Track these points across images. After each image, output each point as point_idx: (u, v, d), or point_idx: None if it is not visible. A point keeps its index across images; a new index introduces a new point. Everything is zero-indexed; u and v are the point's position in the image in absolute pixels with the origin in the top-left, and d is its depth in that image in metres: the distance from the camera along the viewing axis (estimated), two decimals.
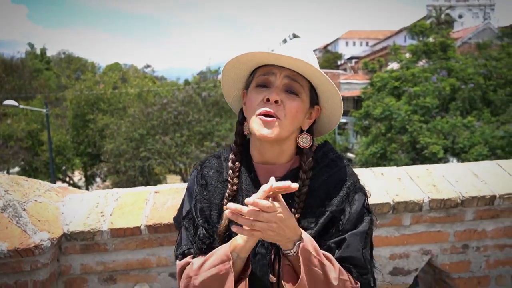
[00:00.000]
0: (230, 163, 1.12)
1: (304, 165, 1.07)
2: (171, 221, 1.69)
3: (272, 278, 1.03)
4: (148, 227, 1.68)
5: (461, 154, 10.64)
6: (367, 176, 1.90)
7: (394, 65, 17.87)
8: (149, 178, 14.74)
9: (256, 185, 1.08)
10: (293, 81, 1.04)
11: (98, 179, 21.68)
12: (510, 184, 1.87)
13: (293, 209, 1.04)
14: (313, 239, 0.99)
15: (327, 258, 1.00)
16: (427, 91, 12.07)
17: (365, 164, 12.32)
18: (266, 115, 1.02)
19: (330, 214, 1.04)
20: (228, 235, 1.06)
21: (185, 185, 1.91)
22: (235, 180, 1.10)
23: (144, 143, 14.29)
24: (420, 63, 13.63)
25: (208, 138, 15.76)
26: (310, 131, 1.11)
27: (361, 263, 1.05)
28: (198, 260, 1.07)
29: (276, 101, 1.02)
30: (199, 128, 15.34)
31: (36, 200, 1.69)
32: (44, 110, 15.14)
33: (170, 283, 1.81)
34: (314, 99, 1.10)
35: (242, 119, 1.15)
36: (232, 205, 0.90)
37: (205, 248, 1.08)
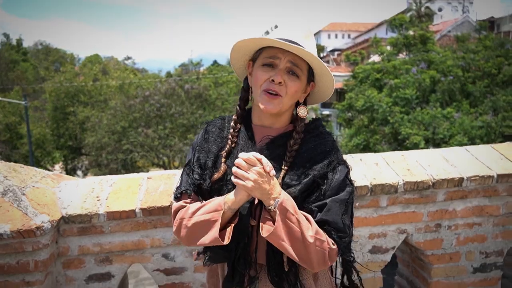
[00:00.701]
0: (232, 123, 1.29)
1: (298, 127, 1.24)
2: (164, 204, 1.80)
3: (253, 221, 1.20)
4: (143, 210, 1.78)
5: (442, 144, 10.94)
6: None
7: (376, 58, 18.11)
8: (131, 171, 14.69)
9: (252, 143, 1.26)
10: (295, 66, 1.21)
11: (79, 173, 21.47)
12: (477, 167, 2.03)
13: (283, 162, 1.21)
14: (292, 199, 1.13)
15: (306, 218, 1.14)
16: (407, 83, 12.32)
17: None
18: (271, 91, 1.20)
19: (313, 178, 1.18)
20: (221, 184, 1.23)
21: (176, 171, 2.03)
22: (234, 139, 1.27)
23: (126, 136, 14.24)
24: (401, 55, 13.89)
25: (192, 130, 15.77)
26: (304, 102, 1.30)
27: (340, 227, 1.16)
28: (194, 205, 1.22)
29: (280, 83, 1.20)
30: (182, 121, 15.34)
31: (33, 186, 1.77)
32: (23, 102, 14.88)
33: (163, 263, 1.91)
34: (310, 77, 1.28)
35: (247, 86, 1.32)
36: (244, 155, 1.10)
37: (197, 188, 1.26)
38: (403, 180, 1.94)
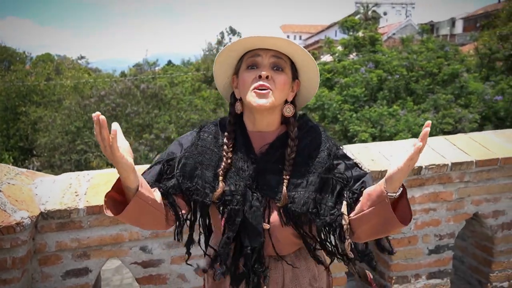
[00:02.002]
0: (225, 140, 1.27)
1: (292, 134, 1.26)
2: None
3: (266, 226, 1.21)
4: None
5: (388, 141, 11.47)
6: None
7: (327, 58, 18.64)
8: None
9: (250, 149, 1.26)
10: (278, 59, 1.24)
11: None
12: (432, 157, 2.23)
13: (284, 171, 1.21)
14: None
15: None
16: (356, 81, 12.83)
17: None
18: (261, 88, 1.21)
19: (319, 176, 1.20)
20: (224, 200, 1.21)
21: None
22: (229, 154, 1.25)
23: (81, 136, 13.68)
24: (351, 56, 14.44)
25: (147, 130, 15.46)
26: (293, 103, 1.31)
27: None
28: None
29: (267, 77, 1.21)
30: (137, 120, 14.99)
31: (9, 183, 1.74)
32: None
33: (141, 256, 1.94)
34: (295, 74, 1.30)
35: (234, 101, 1.32)
36: None
37: (165, 192, 1.19)
38: (369, 170, 2.09)
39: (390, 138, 11.56)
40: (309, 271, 1.32)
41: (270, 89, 1.21)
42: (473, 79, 12.93)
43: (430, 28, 24.35)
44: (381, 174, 2.11)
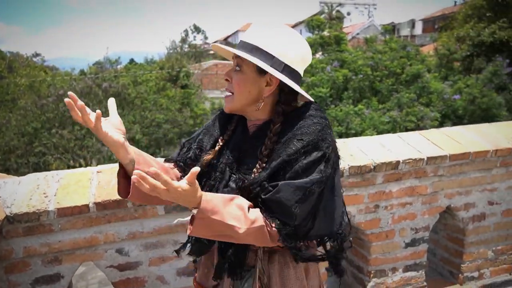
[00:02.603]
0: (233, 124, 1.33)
1: (275, 118, 1.19)
2: (119, 197, 1.73)
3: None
4: (97, 204, 1.70)
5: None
6: None
7: None
8: None
9: (245, 132, 1.27)
10: (237, 58, 1.21)
11: None
12: (409, 151, 2.25)
13: (260, 156, 1.16)
14: (212, 202, 1.03)
15: (238, 207, 1.06)
16: (322, 80, 13.02)
17: None
18: (227, 91, 1.24)
19: (281, 161, 1.11)
20: (210, 167, 1.25)
21: None
22: (229, 132, 1.30)
23: (39, 138, 13.06)
24: (317, 55, 14.62)
25: None
26: (281, 93, 1.21)
27: (287, 213, 1.08)
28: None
29: (227, 79, 1.23)
30: None
31: None
32: None
33: (117, 259, 1.85)
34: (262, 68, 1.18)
35: None
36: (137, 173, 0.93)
37: (183, 163, 1.32)
38: (348, 165, 2.09)
39: (356, 136, 11.83)
40: (298, 279, 1.25)
41: (232, 92, 1.23)
42: (433, 79, 13.42)
43: (392, 28, 25.07)
44: (360, 169, 2.11)
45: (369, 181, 2.19)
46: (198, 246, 1.25)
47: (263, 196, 1.10)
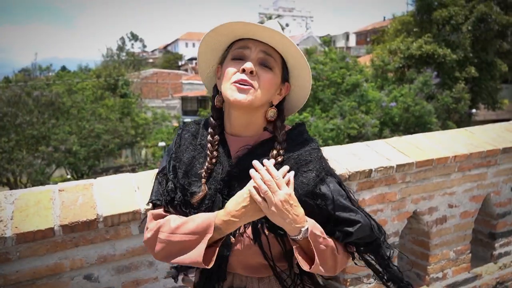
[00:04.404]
0: (209, 137, 1.14)
1: (279, 137, 1.12)
2: (90, 217, 1.57)
3: (232, 239, 1.09)
4: (63, 227, 1.52)
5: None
6: None
7: None
8: None
9: (228, 156, 1.12)
10: (268, 56, 1.09)
11: None
12: (379, 159, 2.29)
13: None
14: (315, 222, 1.05)
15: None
16: None
17: None
18: (242, 83, 1.06)
19: (299, 198, 1.05)
20: (204, 206, 1.10)
21: (93, 180, 1.79)
22: (215, 153, 1.12)
23: None
24: None
25: (43, 142, 14.05)
26: (280, 107, 1.17)
27: (374, 230, 1.16)
28: (176, 219, 1.07)
29: (251, 72, 1.06)
30: (31, 131, 13.53)
31: None
32: None
33: (86, 287, 1.66)
34: (285, 76, 1.16)
35: (216, 93, 1.18)
36: (257, 163, 1.00)
37: (169, 200, 1.12)
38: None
39: None
40: None
41: (253, 86, 1.07)
42: (371, 88, 14.13)
43: (329, 40, 26.11)
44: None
45: None
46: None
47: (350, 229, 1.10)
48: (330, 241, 1.08)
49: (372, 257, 1.22)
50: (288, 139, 1.14)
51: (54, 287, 1.60)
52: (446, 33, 16.38)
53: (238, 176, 1.09)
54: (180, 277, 1.33)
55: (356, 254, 1.20)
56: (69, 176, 17.53)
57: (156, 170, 1.27)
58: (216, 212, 1.04)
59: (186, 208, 1.10)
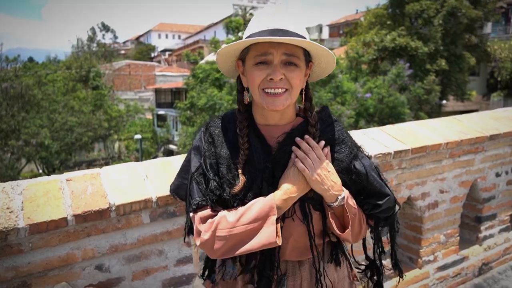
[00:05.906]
0: (238, 130, 1.17)
1: (311, 120, 1.18)
2: (101, 207, 1.54)
3: (280, 222, 1.14)
4: (76, 216, 1.49)
5: None
6: None
7: (211, 57, 18.68)
8: None
9: (263, 144, 1.16)
10: (291, 56, 1.11)
11: None
12: (377, 146, 2.34)
13: None
14: (347, 190, 1.16)
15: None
16: None
17: None
18: (273, 89, 1.11)
19: (337, 174, 1.16)
20: (243, 196, 1.12)
21: (99, 170, 1.76)
22: (246, 145, 1.15)
23: None
24: None
25: (13, 136, 13.55)
26: (306, 88, 1.22)
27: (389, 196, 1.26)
28: (231, 213, 1.10)
29: (281, 79, 1.10)
30: (0, 125, 13.01)
31: None
32: None
33: (97, 276, 1.64)
34: (308, 58, 1.18)
35: (242, 88, 1.20)
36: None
37: (216, 199, 1.13)
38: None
39: None
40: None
41: (285, 88, 1.12)
42: (345, 79, 14.33)
43: None
44: None
45: None
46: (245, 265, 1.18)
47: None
48: (360, 212, 1.19)
49: (387, 229, 1.33)
50: (319, 121, 1.21)
51: (66, 278, 1.58)
52: (418, 26, 16.77)
53: (280, 161, 1.16)
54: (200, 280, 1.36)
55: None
56: (40, 171, 16.99)
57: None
58: (272, 194, 1.09)
59: (234, 201, 1.12)
